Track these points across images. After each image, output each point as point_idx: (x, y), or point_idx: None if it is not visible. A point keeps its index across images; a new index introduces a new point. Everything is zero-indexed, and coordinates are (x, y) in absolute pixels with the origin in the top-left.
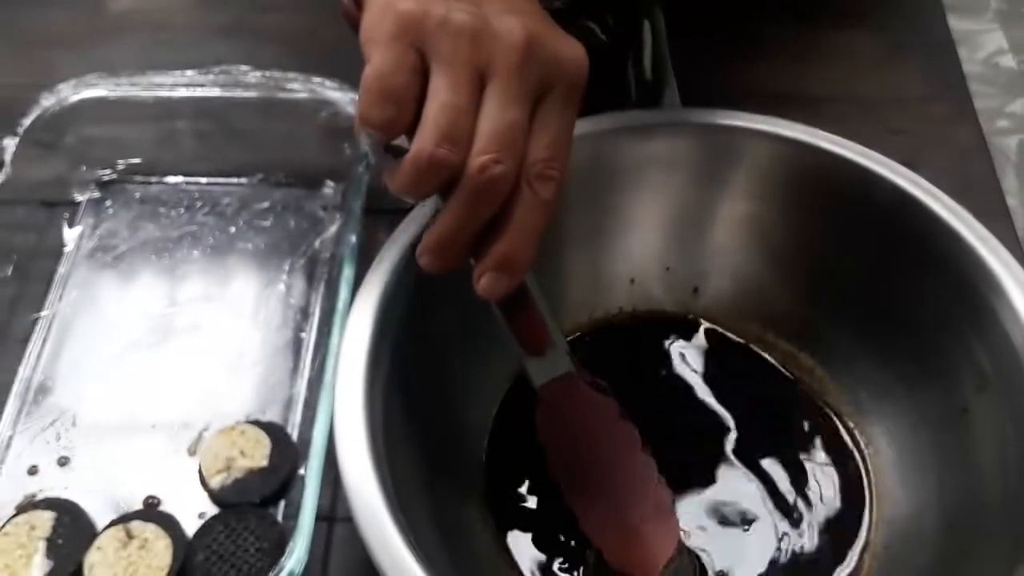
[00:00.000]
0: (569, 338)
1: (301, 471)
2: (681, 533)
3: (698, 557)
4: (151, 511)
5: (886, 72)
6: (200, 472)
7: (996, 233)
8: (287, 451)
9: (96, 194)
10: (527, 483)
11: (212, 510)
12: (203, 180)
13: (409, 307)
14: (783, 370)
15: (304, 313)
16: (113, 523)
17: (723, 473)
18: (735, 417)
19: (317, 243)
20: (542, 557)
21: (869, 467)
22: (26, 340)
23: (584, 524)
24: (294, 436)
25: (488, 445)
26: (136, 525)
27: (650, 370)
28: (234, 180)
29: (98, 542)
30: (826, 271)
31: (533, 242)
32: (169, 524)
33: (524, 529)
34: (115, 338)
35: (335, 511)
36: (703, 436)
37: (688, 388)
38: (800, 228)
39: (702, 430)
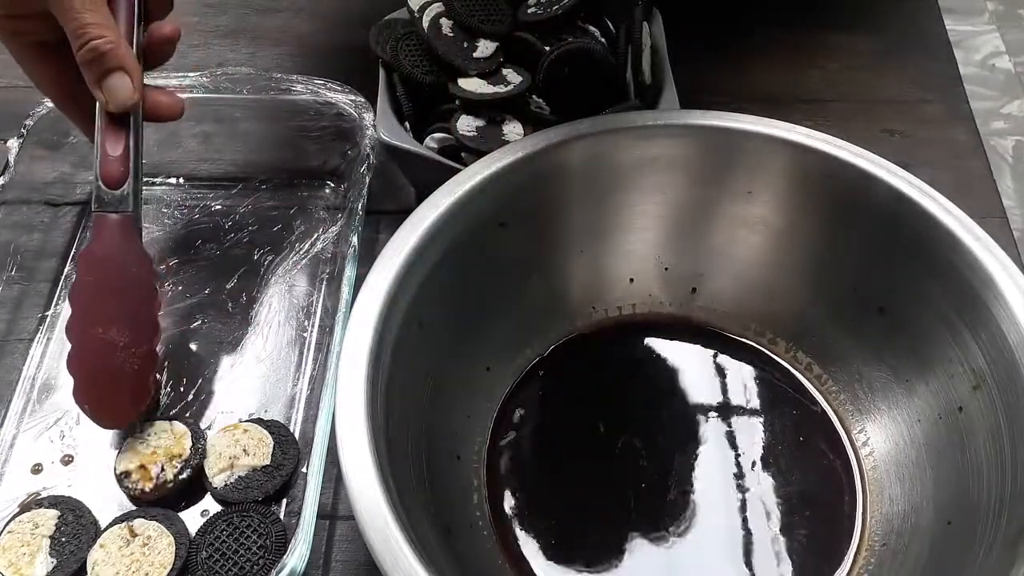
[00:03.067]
0: (568, 338)
1: (303, 469)
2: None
3: None
4: (154, 509)
5: (883, 74)
6: (203, 470)
7: (992, 234)
8: (289, 449)
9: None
10: (527, 481)
11: (215, 508)
12: (206, 181)
13: (410, 306)
14: (780, 368)
15: (306, 312)
16: (116, 521)
17: (720, 470)
18: (733, 415)
19: (319, 243)
20: (543, 555)
21: (866, 465)
22: (30, 339)
23: (72, 357)
24: (296, 434)
25: (489, 443)
26: (139, 523)
27: (649, 369)
28: (236, 180)
29: (101, 540)
30: (823, 271)
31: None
32: (172, 522)
33: (524, 526)
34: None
35: (337, 509)
36: (701, 434)
37: (686, 387)
38: (798, 228)
39: (700, 428)
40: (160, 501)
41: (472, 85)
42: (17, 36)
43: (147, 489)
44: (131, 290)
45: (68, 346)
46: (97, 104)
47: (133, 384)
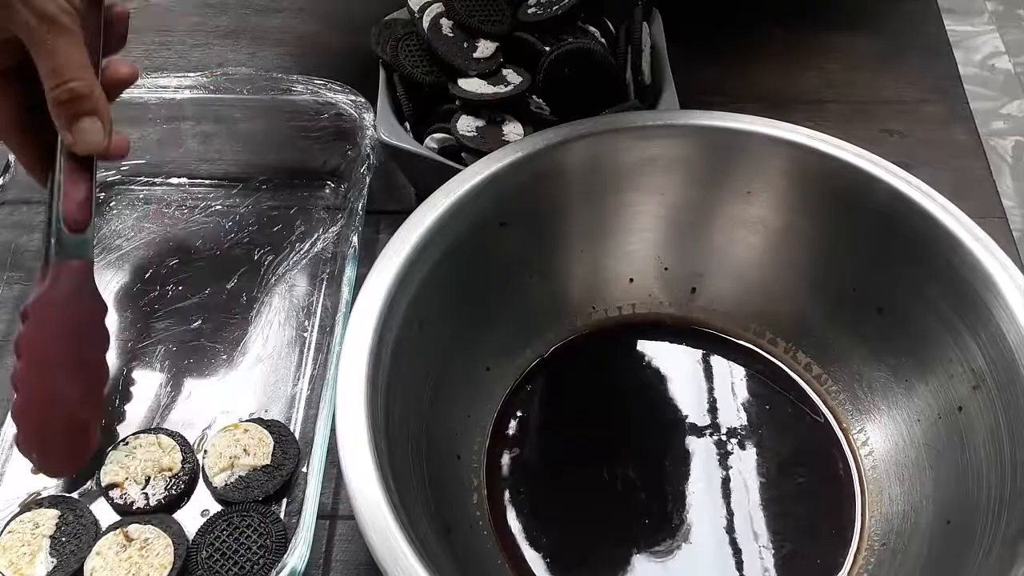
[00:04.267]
0: (568, 338)
1: (303, 469)
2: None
3: None
4: (148, 512)
5: (883, 74)
6: (203, 470)
7: (992, 233)
8: (289, 449)
9: (100, 195)
10: (527, 481)
11: (215, 507)
12: (206, 181)
13: (410, 306)
14: (780, 369)
15: (306, 312)
16: (110, 528)
17: (720, 470)
18: (732, 415)
19: (319, 243)
20: (542, 554)
21: (865, 465)
22: None
23: (18, 404)
24: (296, 434)
25: (489, 443)
26: (134, 528)
27: (649, 369)
28: (236, 181)
29: (97, 548)
30: (823, 271)
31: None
32: (168, 524)
33: (524, 526)
34: (118, 337)
35: (337, 508)
36: (700, 434)
37: (685, 387)
38: (797, 228)
39: (699, 428)
40: (153, 511)
41: (472, 85)
42: None
43: (137, 503)
44: (89, 338)
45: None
46: (60, 145)
47: (85, 433)
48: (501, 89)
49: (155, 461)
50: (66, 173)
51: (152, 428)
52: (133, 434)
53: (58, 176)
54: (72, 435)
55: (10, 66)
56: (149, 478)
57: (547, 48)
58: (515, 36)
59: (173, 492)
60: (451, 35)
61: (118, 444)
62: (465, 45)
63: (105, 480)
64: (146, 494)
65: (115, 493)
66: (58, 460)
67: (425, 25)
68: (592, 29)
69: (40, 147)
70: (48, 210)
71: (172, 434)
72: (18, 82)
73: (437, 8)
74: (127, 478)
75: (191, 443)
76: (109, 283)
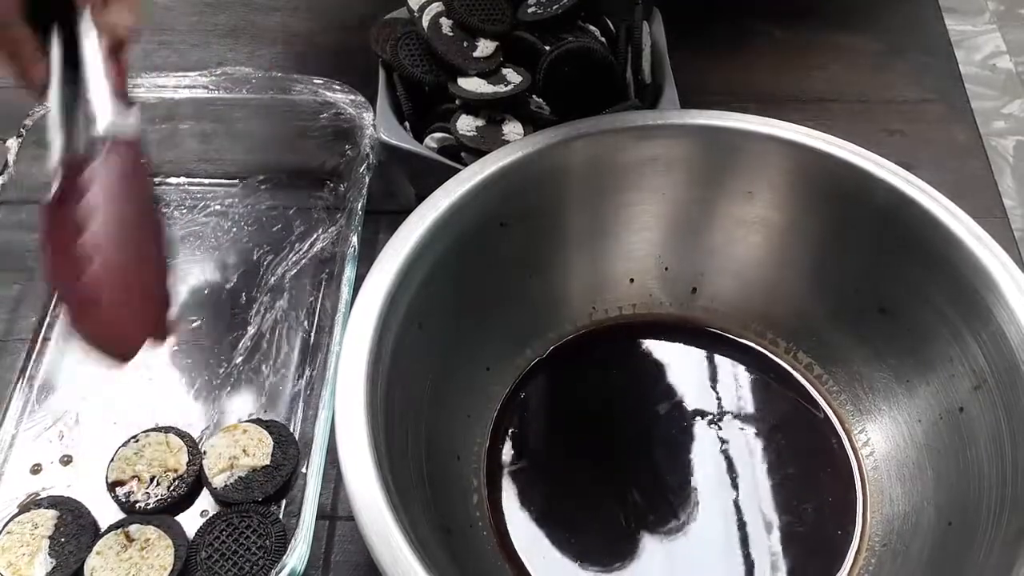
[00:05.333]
0: (568, 338)
1: (303, 469)
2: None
3: None
4: (150, 513)
5: (884, 73)
6: (203, 470)
7: (993, 233)
8: (289, 449)
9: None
10: (527, 481)
11: (215, 508)
12: (205, 181)
13: (410, 307)
14: (781, 369)
15: (306, 312)
16: (111, 528)
17: (720, 470)
18: (733, 415)
19: (319, 243)
20: (541, 555)
21: (866, 465)
22: (30, 339)
23: (55, 271)
24: (296, 434)
25: (489, 443)
26: (135, 528)
27: (648, 369)
28: (236, 180)
29: (97, 548)
30: (823, 271)
31: None
32: (168, 524)
33: (524, 526)
34: None
35: (336, 509)
36: (700, 434)
37: (686, 387)
38: (798, 228)
39: (699, 428)
40: (154, 511)
41: (472, 85)
42: None
43: (140, 502)
44: (150, 217)
45: (73, 349)
46: (80, 29)
47: (162, 310)
48: (501, 89)
49: (161, 461)
50: (106, 51)
51: (163, 427)
52: (144, 431)
53: (85, 58)
54: (151, 310)
55: None
56: (154, 478)
57: (547, 48)
58: (515, 35)
59: (175, 494)
60: (451, 34)
61: (128, 441)
62: (465, 44)
63: (111, 477)
64: (148, 494)
65: (120, 491)
66: (135, 337)
67: (425, 24)
68: (592, 28)
69: (37, 36)
70: (65, 93)
71: (182, 435)
72: None
73: (437, 7)
74: (133, 476)
75: (197, 442)
76: None
